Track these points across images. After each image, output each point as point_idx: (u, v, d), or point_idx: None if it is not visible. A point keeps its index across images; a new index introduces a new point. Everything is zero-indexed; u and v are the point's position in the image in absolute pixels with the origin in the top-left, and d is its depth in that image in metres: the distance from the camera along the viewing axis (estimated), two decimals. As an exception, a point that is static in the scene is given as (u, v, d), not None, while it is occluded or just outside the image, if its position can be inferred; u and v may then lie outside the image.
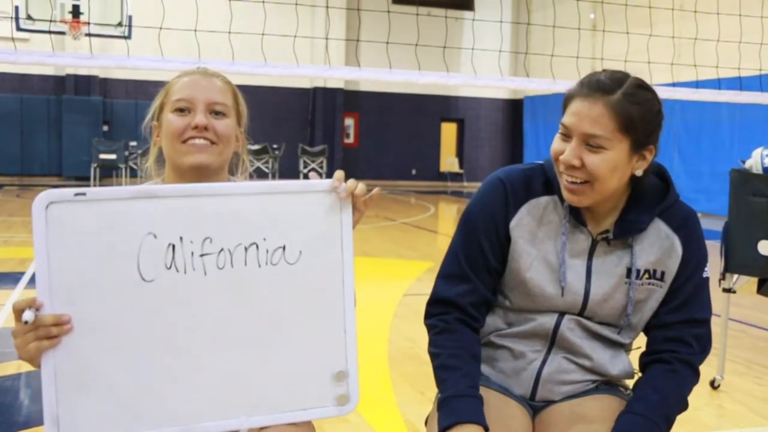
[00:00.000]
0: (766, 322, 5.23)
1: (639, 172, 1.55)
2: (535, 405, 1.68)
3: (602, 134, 1.47)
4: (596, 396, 1.63)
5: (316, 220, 1.40)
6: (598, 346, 1.65)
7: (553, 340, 1.64)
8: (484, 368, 1.69)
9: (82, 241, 1.30)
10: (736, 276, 3.72)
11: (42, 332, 1.30)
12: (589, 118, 1.47)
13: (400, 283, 6.39)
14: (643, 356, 1.66)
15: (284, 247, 1.38)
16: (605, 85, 1.48)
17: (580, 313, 1.63)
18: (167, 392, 1.35)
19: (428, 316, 1.68)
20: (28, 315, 1.28)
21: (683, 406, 1.58)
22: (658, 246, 1.59)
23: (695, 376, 1.61)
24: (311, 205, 1.40)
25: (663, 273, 1.59)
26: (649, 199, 1.61)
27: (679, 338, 1.60)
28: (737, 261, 3.65)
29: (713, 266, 3.72)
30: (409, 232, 10.36)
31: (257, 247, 1.36)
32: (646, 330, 1.67)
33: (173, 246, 1.33)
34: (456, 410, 1.51)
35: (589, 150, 1.49)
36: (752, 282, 3.84)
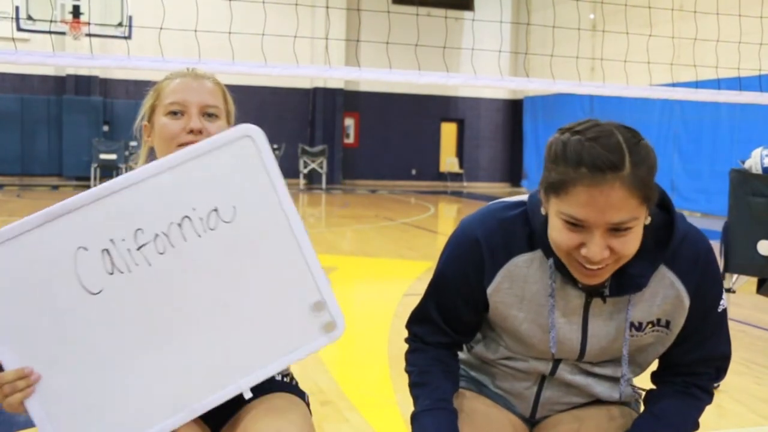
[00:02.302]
0: (765, 322, 5.23)
1: (648, 220, 1.35)
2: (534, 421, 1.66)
3: (630, 217, 1.28)
4: (600, 407, 1.60)
5: (238, 171, 1.36)
6: (597, 383, 1.58)
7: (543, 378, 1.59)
8: (484, 379, 1.68)
9: (14, 281, 1.26)
10: (735, 276, 3.73)
11: (8, 389, 1.27)
12: (610, 207, 1.25)
13: (400, 283, 6.39)
14: (654, 375, 1.59)
15: (216, 209, 1.35)
16: (611, 161, 1.25)
17: (578, 360, 1.55)
18: (161, 385, 1.35)
19: (407, 333, 1.67)
20: None
21: (694, 429, 1.54)
22: (662, 296, 1.43)
23: (709, 399, 1.55)
24: (228, 158, 1.36)
25: (668, 322, 1.45)
26: (652, 242, 1.39)
27: (695, 372, 1.53)
28: (737, 261, 3.65)
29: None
30: (409, 232, 10.35)
31: (190, 219, 1.33)
32: (659, 359, 1.58)
33: (107, 250, 1.29)
34: (424, 425, 1.50)
35: (616, 235, 1.29)
36: (752, 282, 3.85)
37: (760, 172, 3.61)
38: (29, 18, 10.99)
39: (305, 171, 19.48)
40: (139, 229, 1.30)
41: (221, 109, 1.70)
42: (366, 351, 4.29)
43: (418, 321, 1.62)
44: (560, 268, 1.42)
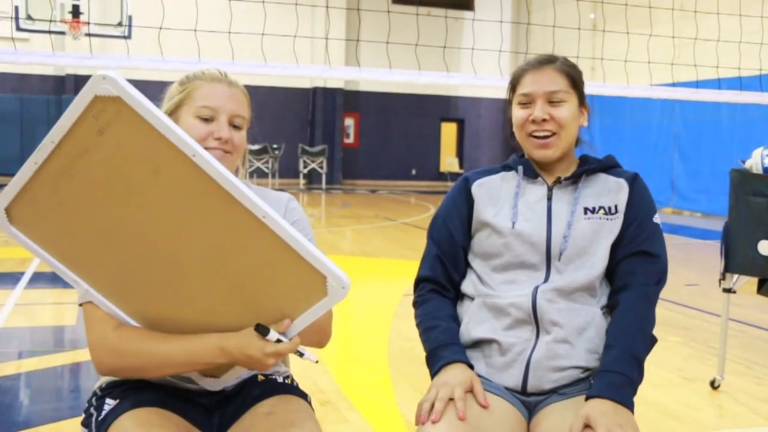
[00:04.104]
0: (766, 322, 5.23)
1: (585, 123, 1.88)
2: (528, 402, 1.71)
3: (561, 89, 1.82)
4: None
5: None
6: (578, 313, 1.73)
7: (537, 323, 1.72)
8: (477, 365, 1.75)
9: None
10: (736, 276, 3.72)
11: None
12: (547, 80, 1.83)
13: (400, 283, 6.38)
14: (610, 295, 1.79)
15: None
16: (546, 59, 1.86)
17: (548, 255, 1.77)
18: None
19: (414, 291, 1.89)
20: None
21: (649, 341, 1.71)
22: (608, 188, 1.84)
23: (651, 307, 1.74)
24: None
25: (616, 206, 1.81)
26: (594, 161, 1.90)
27: (632, 271, 1.76)
28: (737, 261, 3.64)
29: (713, 266, 3.69)
30: (409, 232, 10.35)
31: None
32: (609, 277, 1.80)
33: None
34: (441, 356, 1.70)
35: (553, 105, 1.81)
36: (752, 282, 3.84)
37: (760, 172, 3.60)
38: (29, 18, 10.99)
39: (305, 171, 19.49)
40: None
41: (246, 119, 1.73)
42: (366, 351, 4.28)
43: (422, 264, 1.88)
44: (526, 172, 1.86)
